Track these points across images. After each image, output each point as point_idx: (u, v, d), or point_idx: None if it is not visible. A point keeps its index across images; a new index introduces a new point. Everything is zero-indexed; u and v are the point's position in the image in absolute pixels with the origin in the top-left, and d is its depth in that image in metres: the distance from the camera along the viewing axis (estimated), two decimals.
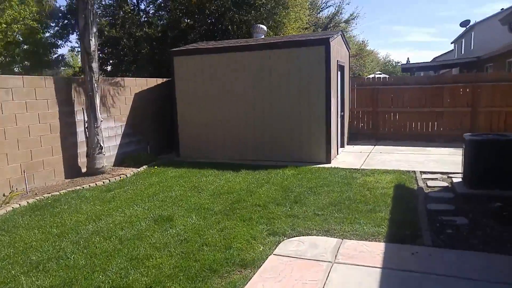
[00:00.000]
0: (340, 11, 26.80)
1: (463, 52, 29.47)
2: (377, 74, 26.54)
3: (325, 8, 27.54)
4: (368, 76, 16.90)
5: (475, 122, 10.47)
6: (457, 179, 6.68)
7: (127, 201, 5.98)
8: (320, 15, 28.26)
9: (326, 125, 8.36)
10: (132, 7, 12.82)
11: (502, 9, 23.80)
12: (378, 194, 5.92)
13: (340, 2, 27.14)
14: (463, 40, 30.21)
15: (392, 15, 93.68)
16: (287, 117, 8.69)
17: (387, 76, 13.85)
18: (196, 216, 5.17)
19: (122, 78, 9.58)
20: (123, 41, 12.75)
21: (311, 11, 26.71)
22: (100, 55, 13.96)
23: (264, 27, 10.35)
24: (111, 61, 14.49)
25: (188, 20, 12.40)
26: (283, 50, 8.54)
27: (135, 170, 8.27)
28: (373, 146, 10.50)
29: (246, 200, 5.79)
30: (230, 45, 9.48)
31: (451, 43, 35.15)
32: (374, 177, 7.04)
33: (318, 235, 4.48)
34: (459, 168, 6.93)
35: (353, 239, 4.34)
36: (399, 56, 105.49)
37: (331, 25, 26.41)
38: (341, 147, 10.31)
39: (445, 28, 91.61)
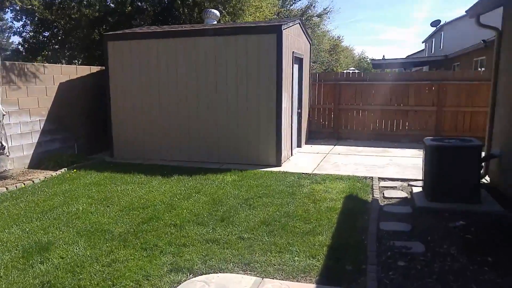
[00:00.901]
0: (313, 4, 25.87)
1: (433, 52, 29.31)
2: (350, 70, 25.91)
3: (298, 0, 26.42)
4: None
5: (441, 122, 9.75)
6: (418, 188, 5.81)
7: (10, 218, 4.72)
8: (293, 8, 27.27)
9: (277, 123, 7.33)
10: None
11: None
12: (323, 209, 4.93)
13: None
14: (433, 40, 30.09)
15: (369, 13, 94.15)
16: (234, 113, 7.60)
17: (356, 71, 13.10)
18: (85, 242, 4.00)
19: (42, 64, 8.17)
20: (60, 23, 11.23)
21: (283, 2, 25.68)
22: (34, 40, 12.41)
23: (217, 12, 9.17)
24: (50, 47, 12.92)
25: (136, 3, 11.03)
26: (230, 38, 7.41)
27: (50, 174, 6.96)
28: (333, 146, 9.59)
29: (161, 218, 4.66)
30: (171, 29, 8.26)
31: (422, 42, 35.10)
32: (325, 184, 6.07)
33: (233, 272, 3.42)
34: (420, 174, 6.07)
35: (276, 278, 3.31)
36: (375, 53, 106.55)
37: (303, 18, 25.41)
38: (297, 146, 9.34)
39: (420, 29, 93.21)
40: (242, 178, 6.53)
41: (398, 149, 9.18)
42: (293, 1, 25.87)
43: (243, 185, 6.07)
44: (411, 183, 6.19)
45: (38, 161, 7.72)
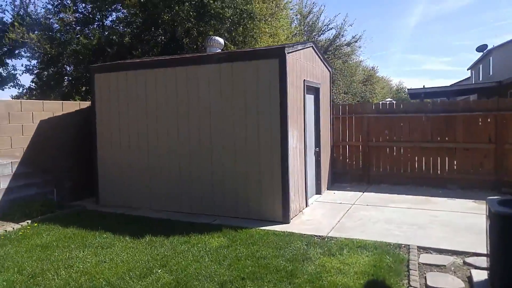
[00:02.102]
0: (341, 33, 24.58)
1: (480, 79, 26.78)
2: (387, 100, 24.00)
3: (326, 30, 25.33)
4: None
5: (502, 164, 7.70)
6: (480, 272, 3.93)
7: None
8: (321, 38, 26.15)
9: (282, 167, 5.78)
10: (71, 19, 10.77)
11: None
12: None
13: (342, 24, 24.36)
14: (480, 66, 27.60)
15: (407, 44, 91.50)
16: (230, 155, 6.17)
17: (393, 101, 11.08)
18: None
19: (18, 100, 7.30)
20: (63, 58, 10.62)
21: (310, 33, 24.68)
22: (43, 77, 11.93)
23: (220, 40, 8.01)
24: (63, 83, 12.40)
25: (136, 31, 10.24)
26: (225, 65, 6.12)
27: (6, 228, 5.79)
28: (361, 194, 7.80)
29: None
30: (160, 59, 7.16)
31: (468, 69, 32.53)
32: (341, 258, 4.35)
33: None
34: (481, 241, 4.21)
35: None
36: (414, 84, 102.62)
37: (331, 48, 24.20)
38: (317, 193, 7.66)
39: (461, 57, 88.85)
40: (231, 242, 4.96)
41: (445, 198, 7.22)
42: (322, 31, 24.73)
43: (228, 256, 4.49)
44: (468, 259, 4.31)
45: (7, 210, 6.62)
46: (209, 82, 6.23)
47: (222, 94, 6.14)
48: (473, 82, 27.87)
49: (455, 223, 5.62)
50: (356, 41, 25.07)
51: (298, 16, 24.29)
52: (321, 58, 7.76)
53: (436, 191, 7.88)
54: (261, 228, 5.57)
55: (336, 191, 8.08)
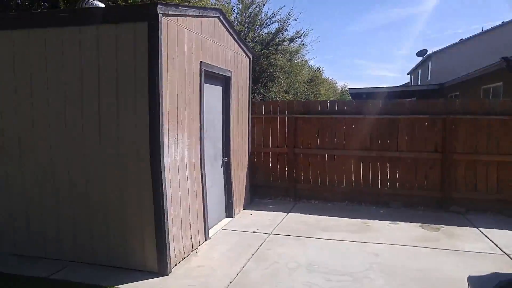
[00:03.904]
0: (285, 27, 23.07)
1: (419, 83, 26.87)
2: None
3: (269, 23, 23.69)
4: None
5: (450, 176, 6.37)
6: None
7: None
8: (263, 32, 24.47)
9: (154, 190, 3.77)
10: None
11: (461, 39, 21.26)
12: None
13: (286, 17, 22.91)
14: (420, 71, 27.76)
15: (353, 49, 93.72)
16: (81, 174, 4.02)
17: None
18: None
19: None
20: None
21: (251, 25, 22.92)
22: None
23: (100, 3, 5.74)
24: None
25: None
26: (70, 31, 3.94)
27: None
28: (285, 215, 6.05)
29: None
30: None
31: (407, 74, 32.89)
32: None
33: None
34: None
35: None
36: (358, 87, 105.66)
37: (273, 43, 22.63)
38: (227, 216, 5.78)
39: (401, 64, 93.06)
40: None
41: (386, 222, 5.68)
42: (264, 24, 23.08)
43: None
44: None
45: None
46: (47, 57, 4.01)
47: (64, 73, 3.97)
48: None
49: (403, 269, 3.99)
50: (299, 37, 23.67)
51: (240, 6, 22.44)
52: (236, 38, 5.86)
53: (376, 210, 6.37)
54: (121, 286, 3.54)
55: (254, 211, 6.26)
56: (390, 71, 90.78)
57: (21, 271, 3.91)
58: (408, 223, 5.58)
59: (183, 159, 4.28)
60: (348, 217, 5.90)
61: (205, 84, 4.78)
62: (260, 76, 21.14)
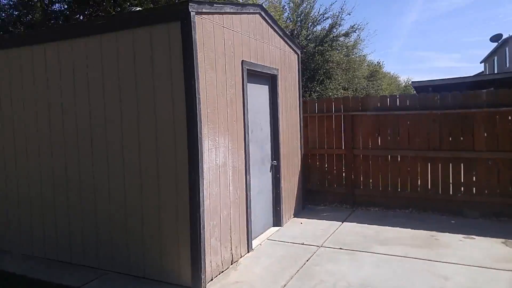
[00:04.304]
0: (338, 22, 22.06)
1: (496, 71, 24.11)
2: None
3: (322, 20, 22.85)
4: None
5: None
6: None
7: None
8: (316, 29, 23.65)
9: (191, 199, 3.52)
10: None
11: None
12: None
13: (339, 12, 21.94)
14: (495, 58, 24.94)
15: (414, 40, 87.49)
16: (115, 179, 3.93)
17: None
18: None
19: None
20: None
21: (303, 23, 22.27)
22: None
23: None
24: None
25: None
26: (106, 37, 3.85)
27: None
28: (339, 224, 5.51)
29: None
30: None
31: (480, 62, 29.81)
32: None
33: None
34: None
35: None
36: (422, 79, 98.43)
37: (327, 39, 21.74)
38: (275, 225, 5.42)
39: (471, 52, 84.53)
40: None
41: (459, 235, 4.89)
42: (317, 21, 22.27)
43: None
44: None
45: None
46: (83, 65, 3.98)
47: (102, 90, 3.90)
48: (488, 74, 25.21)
49: None
50: (354, 31, 22.43)
51: (291, 5, 21.93)
52: (280, 34, 5.45)
53: (447, 220, 5.56)
54: None
55: (305, 219, 5.81)
56: (458, 61, 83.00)
57: (55, 279, 3.90)
58: (487, 238, 4.74)
59: (225, 164, 3.99)
60: (412, 228, 5.20)
61: (248, 84, 4.46)
62: (316, 74, 20.45)
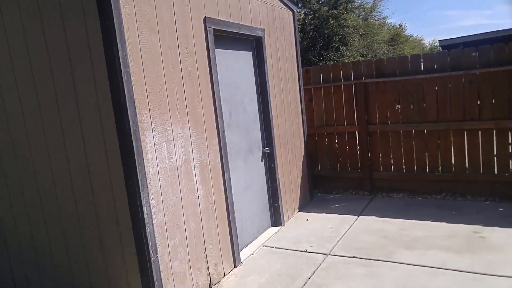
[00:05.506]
0: None
1: None
2: None
3: None
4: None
5: None
6: None
7: None
8: None
9: (133, 215, 2.54)
10: None
11: None
12: None
13: None
14: None
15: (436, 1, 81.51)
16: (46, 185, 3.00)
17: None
18: None
19: None
20: None
21: None
22: None
23: None
24: None
25: None
26: None
27: None
28: (354, 219, 4.44)
29: None
30: None
31: None
32: None
33: None
34: None
35: None
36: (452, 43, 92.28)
37: (342, 1, 19.92)
38: (274, 225, 4.42)
39: (503, 8, 78.05)
40: None
41: (510, 229, 3.74)
42: None
43: None
44: None
45: None
46: None
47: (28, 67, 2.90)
48: None
49: None
50: None
51: None
52: None
53: (492, 208, 4.38)
54: None
55: (313, 214, 4.77)
56: (489, 18, 76.99)
57: None
58: None
59: (187, 161, 2.98)
60: (447, 222, 4.07)
61: (217, 50, 3.36)
62: (330, 41, 18.85)
